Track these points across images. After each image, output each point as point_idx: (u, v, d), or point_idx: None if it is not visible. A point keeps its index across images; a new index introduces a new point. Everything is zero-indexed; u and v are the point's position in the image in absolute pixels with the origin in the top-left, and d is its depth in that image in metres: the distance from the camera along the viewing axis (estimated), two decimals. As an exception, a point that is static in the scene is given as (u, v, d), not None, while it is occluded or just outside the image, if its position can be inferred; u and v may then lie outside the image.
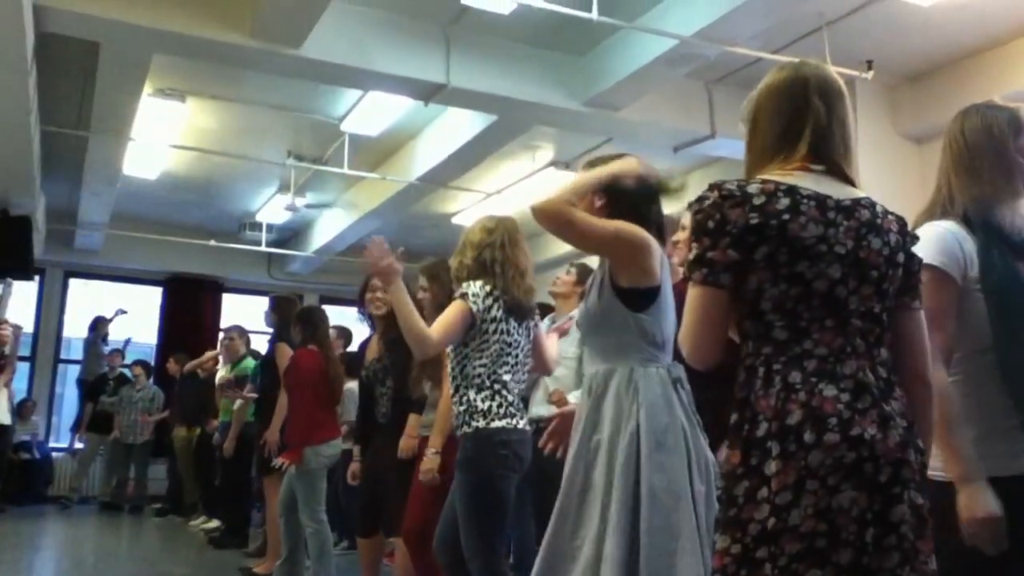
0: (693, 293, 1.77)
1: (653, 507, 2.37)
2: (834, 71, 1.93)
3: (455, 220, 10.56)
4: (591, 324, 2.68)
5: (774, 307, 1.73)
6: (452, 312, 3.36)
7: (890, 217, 1.83)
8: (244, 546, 7.37)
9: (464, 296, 3.38)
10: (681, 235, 3.29)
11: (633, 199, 2.67)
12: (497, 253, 3.52)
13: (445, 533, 3.47)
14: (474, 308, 3.36)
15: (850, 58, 6.22)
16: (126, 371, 11.46)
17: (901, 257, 1.81)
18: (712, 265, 1.73)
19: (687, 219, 3.34)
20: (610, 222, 2.60)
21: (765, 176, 1.80)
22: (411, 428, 4.33)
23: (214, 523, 8.47)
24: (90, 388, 11.31)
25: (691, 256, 1.77)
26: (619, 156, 2.78)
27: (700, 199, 1.79)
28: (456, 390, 3.42)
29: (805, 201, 1.74)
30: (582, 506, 2.49)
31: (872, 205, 1.82)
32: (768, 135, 1.88)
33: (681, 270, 3.07)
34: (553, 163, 8.79)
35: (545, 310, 5.55)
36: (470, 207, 10.15)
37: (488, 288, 3.42)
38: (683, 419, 2.52)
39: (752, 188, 1.76)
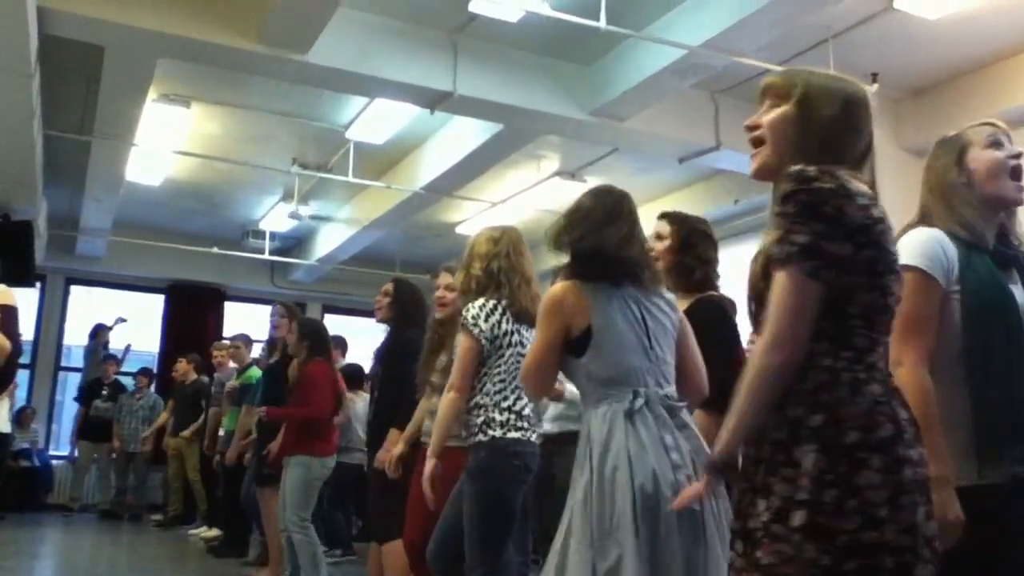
0: (795, 284, 1.66)
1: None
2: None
3: (459, 229, 10.53)
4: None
5: (861, 313, 1.69)
6: (463, 354, 3.42)
7: None
8: (244, 555, 7.33)
9: (464, 326, 3.41)
10: (658, 245, 3.34)
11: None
12: (503, 262, 3.56)
13: (441, 541, 3.48)
14: (476, 333, 3.39)
15: (855, 71, 6.16)
16: (125, 379, 11.41)
17: None
18: (826, 258, 1.65)
19: (664, 228, 3.38)
20: (535, 347, 2.67)
21: (852, 174, 1.75)
22: (389, 441, 4.41)
23: (214, 532, 8.41)
24: (84, 394, 11.26)
25: (796, 240, 1.66)
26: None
27: (804, 178, 1.69)
28: (472, 400, 3.43)
29: (885, 217, 1.73)
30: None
31: None
32: (833, 132, 1.81)
33: None
34: (558, 173, 8.77)
35: None
36: (474, 216, 10.12)
37: (492, 303, 3.45)
38: (630, 452, 2.44)
39: (854, 186, 1.70)
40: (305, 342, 5.52)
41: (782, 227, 1.69)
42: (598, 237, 2.67)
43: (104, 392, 11.04)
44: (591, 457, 2.49)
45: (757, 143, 1.89)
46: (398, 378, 4.47)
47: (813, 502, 1.61)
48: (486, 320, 3.40)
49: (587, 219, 2.70)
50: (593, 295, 2.62)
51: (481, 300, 3.45)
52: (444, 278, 4.05)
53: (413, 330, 4.54)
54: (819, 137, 1.81)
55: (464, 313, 3.43)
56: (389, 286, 4.87)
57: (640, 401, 2.53)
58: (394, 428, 4.42)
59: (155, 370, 12.46)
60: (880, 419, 1.64)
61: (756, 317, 1.83)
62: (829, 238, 1.66)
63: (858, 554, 1.58)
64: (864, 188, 1.73)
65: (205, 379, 9.67)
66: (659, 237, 3.37)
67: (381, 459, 4.38)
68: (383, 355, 4.85)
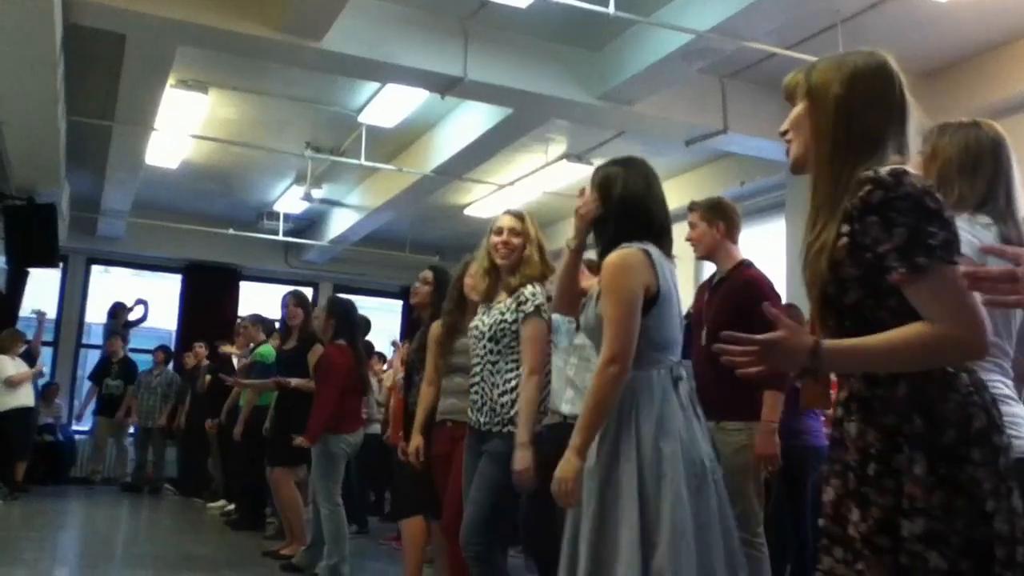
0: (960, 277, 1.57)
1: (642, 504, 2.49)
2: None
3: (468, 212, 10.68)
4: (591, 333, 2.75)
5: None
6: (538, 336, 3.39)
7: None
8: (261, 529, 7.51)
9: (539, 311, 3.41)
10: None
11: (621, 219, 2.78)
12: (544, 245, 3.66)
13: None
14: (546, 317, 3.44)
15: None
16: (138, 356, 11.63)
17: None
18: (954, 249, 1.60)
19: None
20: (615, 307, 2.61)
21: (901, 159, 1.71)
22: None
23: (232, 506, 8.60)
24: (95, 372, 11.53)
25: (938, 240, 1.58)
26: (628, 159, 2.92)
27: (886, 184, 1.61)
28: (510, 385, 3.43)
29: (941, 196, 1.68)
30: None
31: None
32: (847, 112, 1.76)
33: None
34: (566, 155, 8.86)
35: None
36: (483, 198, 10.26)
37: (542, 290, 3.49)
38: (680, 417, 2.59)
39: (928, 184, 1.66)
40: (332, 320, 5.69)
41: (901, 233, 1.59)
42: (649, 204, 2.77)
43: (113, 370, 11.29)
44: (638, 422, 2.55)
45: (789, 144, 1.88)
46: None
47: (923, 510, 1.57)
48: (547, 305, 3.45)
49: (636, 185, 2.79)
50: (658, 260, 2.70)
51: (538, 287, 3.48)
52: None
53: None
54: (835, 121, 1.76)
55: (532, 298, 3.44)
56: (428, 274, 4.80)
57: (682, 370, 2.68)
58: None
59: (172, 348, 12.73)
60: (973, 410, 1.61)
61: (823, 318, 1.75)
62: (954, 230, 1.61)
63: (971, 553, 1.56)
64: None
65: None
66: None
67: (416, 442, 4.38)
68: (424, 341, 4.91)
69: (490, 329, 3.51)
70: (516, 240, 3.55)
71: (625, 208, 2.79)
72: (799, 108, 1.84)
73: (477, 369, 3.55)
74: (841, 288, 1.67)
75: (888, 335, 1.61)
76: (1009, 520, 1.57)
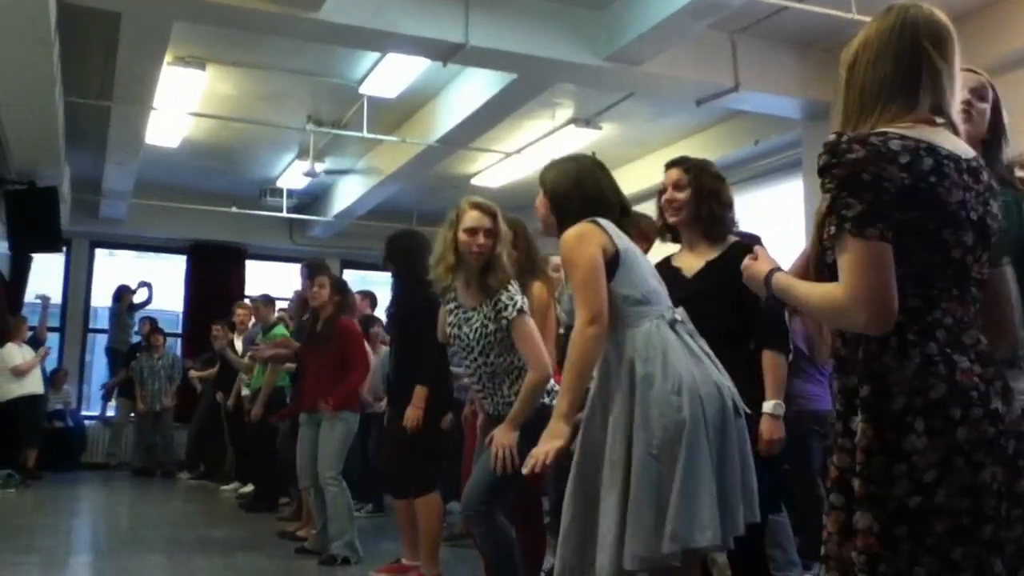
0: (868, 251, 1.61)
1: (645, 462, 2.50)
2: (942, 15, 1.80)
3: (475, 181, 10.57)
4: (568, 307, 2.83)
5: (910, 274, 1.65)
6: (532, 332, 3.47)
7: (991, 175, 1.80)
8: (274, 510, 7.46)
9: (523, 312, 3.48)
10: (679, 195, 3.28)
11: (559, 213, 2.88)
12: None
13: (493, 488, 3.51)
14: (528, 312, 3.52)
15: (876, 6, 6.06)
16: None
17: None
18: (887, 220, 1.61)
19: (680, 176, 3.28)
20: (578, 272, 2.67)
21: (891, 129, 1.69)
22: (418, 399, 4.49)
23: (248, 488, 8.57)
24: (124, 357, 11.47)
25: (852, 213, 1.62)
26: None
27: (836, 151, 1.66)
28: (517, 371, 3.52)
29: (946, 162, 1.67)
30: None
31: (983, 164, 1.78)
32: (877, 83, 1.74)
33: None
34: (573, 120, 8.75)
35: None
36: (490, 167, 10.15)
37: (514, 285, 3.58)
38: (687, 359, 2.60)
39: (894, 144, 1.65)
40: (337, 297, 5.63)
41: (829, 204, 1.67)
42: (578, 197, 2.86)
43: (139, 353, 11.27)
44: (634, 372, 2.57)
45: None
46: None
47: (864, 475, 1.62)
48: (523, 300, 3.58)
49: (568, 177, 2.91)
50: (607, 226, 2.76)
51: (512, 288, 3.57)
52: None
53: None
54: (865, 89, 1.76)
55: (508, 304, 3.48)
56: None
57: (676, 315, 2.69)
58: (420, 386, 4.52)
59: (180, 329, 12.68)
60: (931, 380, 1.62)
61: (819, 277, 1.79)
62: (878, 203, 1.62)
63: (907, 519, 1.59)
64: (913, 144, 1.67)
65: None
66: (677, 187, 3.28)
67: (410, 418, 4.48)
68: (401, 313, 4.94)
69: (478, 343, 3.55)
70: (489, 241, 3.55)
71: (558, 203, 2.88)
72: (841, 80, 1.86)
73: (475, 376, 3.62)
74: (823, 248, 1.73)
75: (813, 286, 1.74)
76: (965, 494, 1.58)
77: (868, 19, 1.88)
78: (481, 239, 3.53)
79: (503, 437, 3.30)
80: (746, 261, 1.99)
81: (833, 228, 1.65)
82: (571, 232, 2.72)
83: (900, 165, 1.64)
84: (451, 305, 3.70)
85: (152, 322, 11.54)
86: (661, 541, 2.42)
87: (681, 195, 3.26)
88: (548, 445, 2.58)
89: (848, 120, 1.77)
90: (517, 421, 3.33)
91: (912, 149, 1.66)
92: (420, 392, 4.50)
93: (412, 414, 4.49)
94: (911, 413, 1.60)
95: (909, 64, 1.73)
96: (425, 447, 4.58)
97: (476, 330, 3.54)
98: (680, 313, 2.71)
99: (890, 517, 1.59)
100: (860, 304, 1.62)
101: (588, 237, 2.70)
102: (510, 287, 3.53)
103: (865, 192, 1.62)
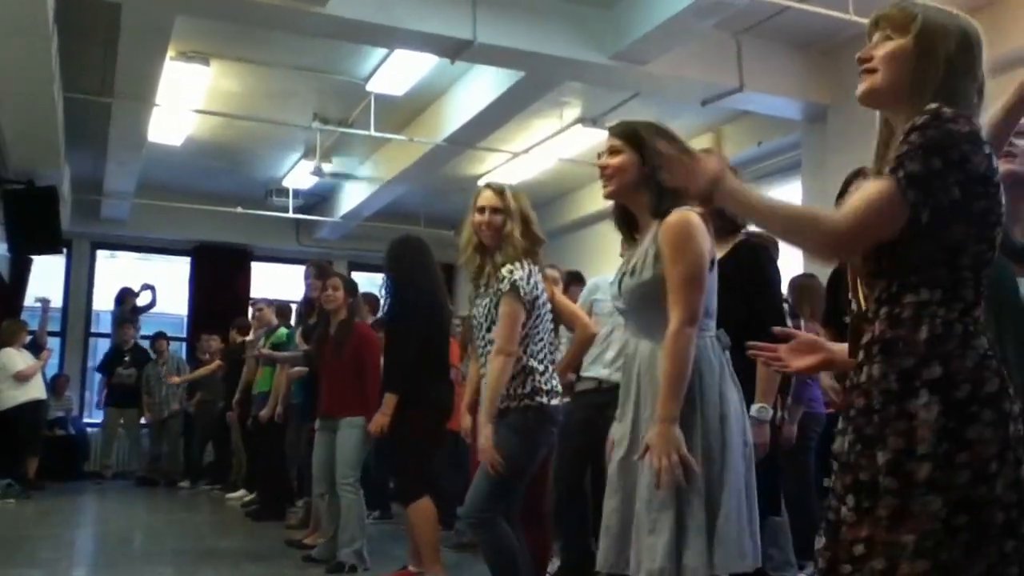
0: (895, 204, 1.63)
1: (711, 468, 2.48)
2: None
3: (482, 183, 10.42)
4: (643, 299, 2.61)
5: (971, 265, 1.68)
6: (513, 314, 3.38)
7: None
8: (282, 518, 7.32)
9: (515, 289, 3.37)
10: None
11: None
12: (534, 221, 3.61)
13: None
14: (525, 297, 3.39)
15: (877, 6, 5.98)
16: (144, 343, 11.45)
17: None
18: (930, 196, 1.62)
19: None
20: (688, 267, 2.51)
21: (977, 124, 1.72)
22: (386, 405, 4.46)
23: (251, 495, 8.43)
24: (105, 362, 11.26)
25: (908, 168, 1.63)
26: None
27: (940, 116, 1.65)
28: (520, 363, 3.42)
29: (997, 165, 1.72)
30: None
31: None
32: (949, 71, 1.75)
33: None
34: (580, 120, 8.65)
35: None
36: (497, 168, 10.03)
37: (528, 264, 3.47)
38: (730, 382, 2.60)
39: (984, 135, 1.69)
40: (350, 299, 5.48)
41: (899, 153, 1.65)
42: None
43: (126, 358, 11.03)
44: (701, 391, 2.50)
45: (869, 72, 1.82)
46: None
47: (931, 456, 1.60)
48: (528, 283, 3.42)
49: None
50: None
51: (517, 264, 3.44)
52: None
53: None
54: (934, 75, 1.75)
55: (508, 275, 3.40)
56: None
57: (726, 339, 2.65)
58: (389, 393, 4.48)
59: (185, 333, 12.53)
60: (986, 374, 1.64)
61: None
62: (942, 179, 1.62)
63: (970, 508, 1.59)
64: (987, 140, 1.72)
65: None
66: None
67: (376, 424, 4.47)
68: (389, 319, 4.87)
69: (486, 319, 3.51)
70: (498, 218, 3.52)
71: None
72: (900, 43, 1.79)
73: (483, 360, 3.56)
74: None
75: (783, 202, 1.75)
76: (1015, 488, 1.60)
77: (864, 20, 1.90)
78: (487, 216, 3.51)
79: (481, 439, 3.34)
80: (698, 155, 1.87)
81: (888, 169, 1.65)
82: (684, 219, 2.54)
83: (985, 154, 1.67)
84: (480, 289, 3.62)
85: (161, 334, 11.38)
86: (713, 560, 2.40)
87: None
88: (672, 456, 2.39)
89: (921, 99, 1.73)
90: (489, 414, 3.34)
91: (988, 145, 1.70)
92: (389, 399, 4.47)
93: (377, 420, 4.47)
94: (976, 403, 1.61)
95: (976, 69, 1.78)
96: (407, 454, 4.50)
97: (485, 306, 3.51)
98: (723, 334, 2.65)
99: (954, 505, 1.59)
100: (847, 232, 1.66)
101: (702, 232, 2.55)
102: (517, 264, 3.44)
103: (939, 162, 1.62)
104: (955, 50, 1.75)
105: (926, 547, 1.58)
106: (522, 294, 3.39)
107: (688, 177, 1.83)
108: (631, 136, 2.66)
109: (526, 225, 3.54)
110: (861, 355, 1.74)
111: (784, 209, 1.73)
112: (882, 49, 1.80)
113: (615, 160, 2.66)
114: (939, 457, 1.59)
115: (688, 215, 2.55)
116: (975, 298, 1.69)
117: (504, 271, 3.42)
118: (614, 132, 2.74)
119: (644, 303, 2.60)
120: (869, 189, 1.68)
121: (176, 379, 10.65)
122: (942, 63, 1.74)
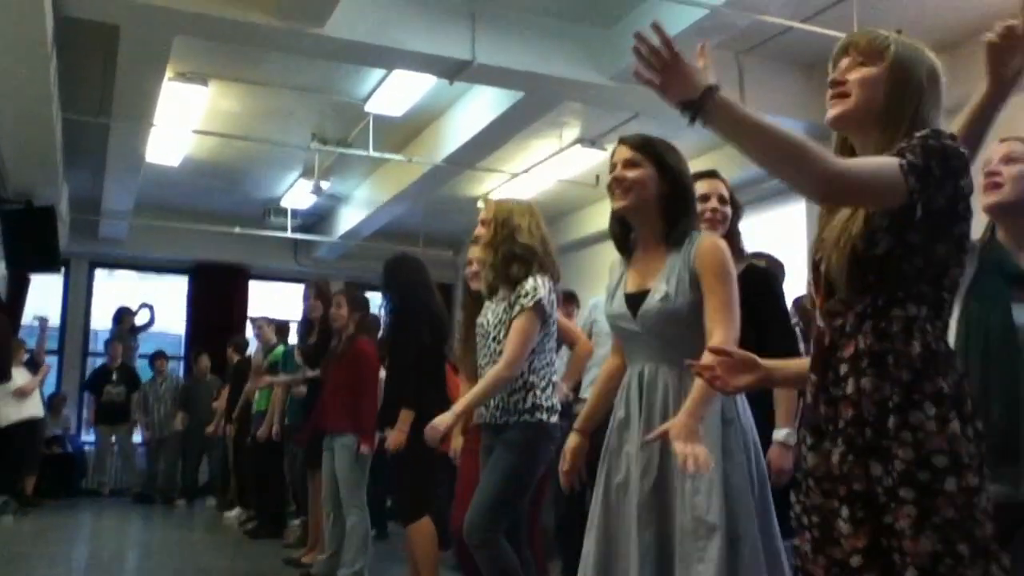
0: (893, 177, 1.64)
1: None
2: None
3: (481, 204, 10.43)
4: (668, 322, 2.52)
5: (950, 286, 1.74)
6: (529, 331, 3.35)
7: None
8: (279, 536, 7.28)
9: (539, 307, 3.34)
10: (724, 208, 3.15)
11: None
12: (545, 237, 3.55)
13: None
14: (548, 310, 3.39)
15: (879, 27, 5.96)
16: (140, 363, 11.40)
17: None
18: (926, 188, 1.65)
19: (722, 188, 3.18)
20: (731, 289, 2.51)
21: None
22: (402, 422, 4.37)
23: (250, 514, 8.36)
24: (93, 380, 11.23)
25: (915, 160, 1.65)
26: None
27: (942, 136, 1.70)
28: (522, 378, 3.39)
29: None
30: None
31: None
32: (920, 101, 1.80)
33: None
34: (580, 140, 8.63)
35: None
36: (496, 188, 10.02)
37: (544, 279, 3.43)
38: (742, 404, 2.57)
39: (962, 152, 1.74)
40: (356, 315, 5.46)
41: (902, 147, 1.69)
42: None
43: (113, 377, 10.98)
44: (738, 414, 2.50)
45: (841, 96, 1.84)
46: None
47: (956, 464, 1.63)
48: (549, 296, 3.40)
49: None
50: None
51: (539, 279, 3.40)
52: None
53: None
54: (908, 103, 1.79)
55: (533, 292, 3.36)
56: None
57: None
58: (405, 409, 4.40)
59: (183, 352, 12.48)
60: (963, 393, 1.69)
61: (850, 277, 1.78)
62: (938, 183, 1.66)
63: (971, 520, 1.64)
64: None
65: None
66: (723, 200, 3.15)
67: (393, 442, 4.38)
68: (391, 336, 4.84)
69: (495, 328, 3.49)
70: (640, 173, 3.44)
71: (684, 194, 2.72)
72: (873, 70, 1.81)
73: (486, 369, 3.50)
74: (871, 240, 1.69)
75: (781, 126, 1.65)
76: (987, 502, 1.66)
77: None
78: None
79: (439, 421, 3.36)
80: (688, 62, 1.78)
81: (894, 155, 1.67)
82: (720, 242, 2.56)
83: (970, 182, 1.72)
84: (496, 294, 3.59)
85: (160, 352, 11.33)
86: None
87: (726, 209, 3.16)
88: (698, 445, 2.28)
89: (899, 127, 1.78)
90: (461, 414, 3.38)
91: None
92: (405, 415, 4.37)
93: (395, 437, 4.39)
94: (960, 421, 1.65)
95: (940, 103, 1.85)
96: (409, 473, 4.47)
97: (497, 315, 3.48)
98: None
99: (966, 518, 1.63)
100: (844, 175, 1.64)
101: (731, 255, 2.57)
102: (537, 278, 3.40)
103: (940, 171, 1.66)
104: (926, 81, 1.80)
105: (970, 552, 1.61)
106: (545, 314, 3.39)
107: (674, 79, 1.73)
108: (650, 149, 2.59)
109: (545, 243, 3.54)
110: (844, 367, 1.72)
111: (783, 131, 1.65)
112: (856, 74, 1.81)
113: (633, 173, 2.56)
114: (961, 465, 1.63)
115: (717, 238, 2.56)
116: (947, 321, 1.75)
117: (528, 286, 3.38)
118: (631, 144, 2.62)
119: (670, 326, 2.52)
120: (875, 158, 1.71)
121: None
122: (915, 92, 1.79)
